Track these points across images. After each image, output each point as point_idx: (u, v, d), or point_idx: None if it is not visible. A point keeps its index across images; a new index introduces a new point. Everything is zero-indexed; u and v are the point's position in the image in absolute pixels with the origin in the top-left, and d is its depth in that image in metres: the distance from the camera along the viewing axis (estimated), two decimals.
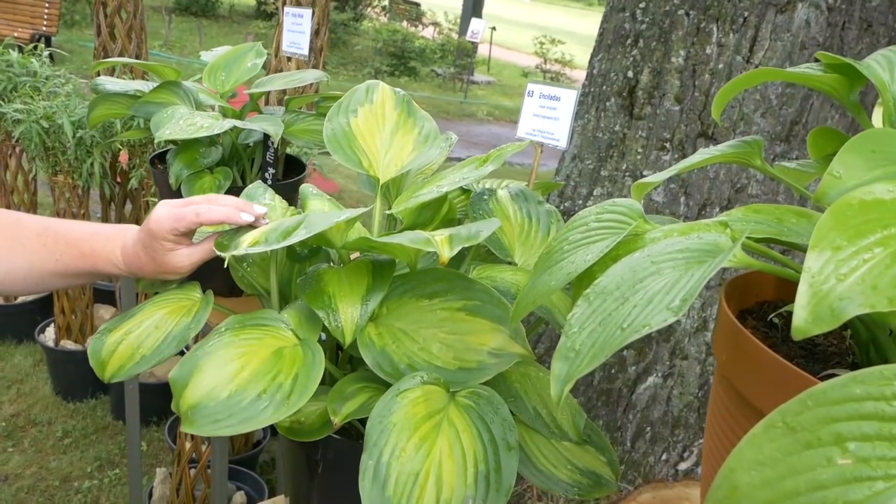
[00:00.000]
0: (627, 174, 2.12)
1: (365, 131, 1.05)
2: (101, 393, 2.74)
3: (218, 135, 1.16)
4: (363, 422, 0.80)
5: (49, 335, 2.74)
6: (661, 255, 0.54)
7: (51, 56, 2.79)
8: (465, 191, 1.06)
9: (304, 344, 0.78)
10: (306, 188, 1.01)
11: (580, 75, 11.69)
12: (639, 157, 2.11)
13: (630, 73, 2.11)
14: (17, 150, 2.87)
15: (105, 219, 2.84)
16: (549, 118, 1.01)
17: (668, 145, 2.08)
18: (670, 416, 2.12)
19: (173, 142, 1.21)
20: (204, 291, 0.92)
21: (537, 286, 0.65)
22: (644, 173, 2.10)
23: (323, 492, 0.94)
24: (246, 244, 0.81)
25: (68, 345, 2.69)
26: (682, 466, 2.13)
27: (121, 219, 2.83)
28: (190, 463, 2.02)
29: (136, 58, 2.81)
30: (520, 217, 1.01)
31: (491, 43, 12.07)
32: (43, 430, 2.55)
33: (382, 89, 1.10)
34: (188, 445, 1.99)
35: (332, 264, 0.93)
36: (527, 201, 1.03)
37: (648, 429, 2.13)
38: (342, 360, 0.98)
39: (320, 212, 0.97)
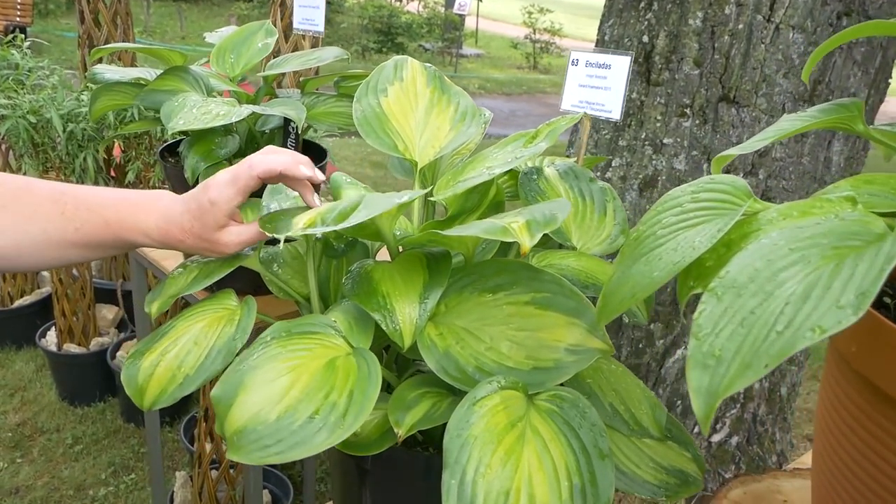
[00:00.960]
0: (647, 143, 2.05)
1: (397, 112, 0.97)
2: (110, 396, 2.67)
3: (233, 122, 1.07)
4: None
5: (51, 339, 2.66)
6: (798, 240, 0.47)
7: (29, 47, 2.67)
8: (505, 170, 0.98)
9: (358, 354, 0.71)
10: (339, 177, 0.93)
11: (570, 44, 11.54)
12: (658, 124, 2.03)
13: (645, 38, 2.03)
14: (4, 147, 2.77)
15: None
16: (598, 88, 0.93)
17: (688, 111, 2.00)
18: None
19: (184, 132, 1.12)
20: (221, 289, 0.84)
21: (633, 277, 0.58)
22: (664, 141, 2.03)
23: (374, 501, 0.88)
24: (301, 225, 0.73)
25: (72, 348, 2.61)
26: (715, 438, 2.08)
27: None
28: (210, 464, 1.95)
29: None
30: (572, 196, 0.93)
31: (478, 15, 11.90)
32: (52, 438, 2.47)
33: (412, 65, 1.02)
34: (209, 447, 1.92)
35: (373, 259, 0.85)
36: (577, 179, 0.95)
37: (679, 402, 2.07)
38: (387, 360, 0.91)
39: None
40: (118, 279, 2.80)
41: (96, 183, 2.49)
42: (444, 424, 0.74)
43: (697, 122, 2.00)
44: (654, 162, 2.05)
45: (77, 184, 0.80)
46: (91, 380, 2.62)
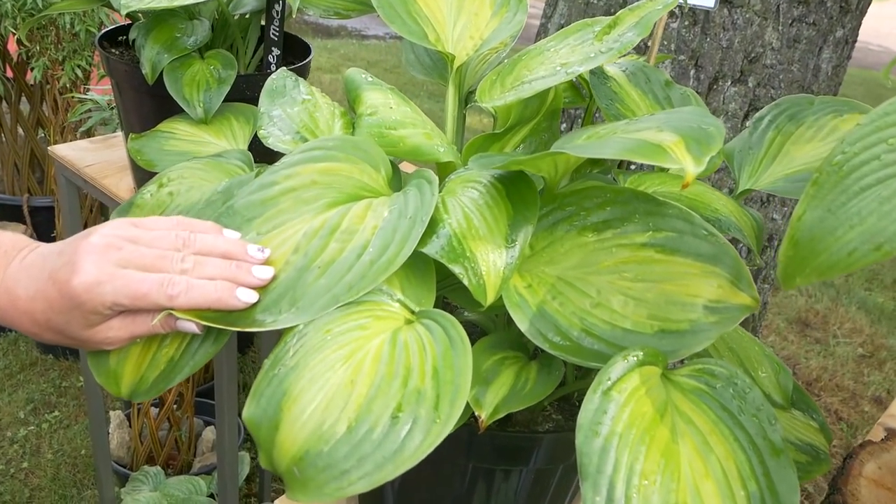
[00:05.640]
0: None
1: None
2: None
3: (198, 4, 0.84)
4: None
5: None
6: None
7: None
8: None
9: (425, 317, 0.52)
10: (356, 75, 0.72)
11: None
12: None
13: None
14: None
15: None
16: None
17: (676, 11, 1.83)
18: None
19: (129, 15, 0.88)
20: None
21: (863, 220, 0.42)
22: (648, 45, 1.85)
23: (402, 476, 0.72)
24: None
25: None
26: None
27: (17, 118, 2.39)
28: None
29: None
30: (647, 103, 0.76)
31: None
32: None
33: None
34: None
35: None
36: (649, 82, 0.78)
37: None
38: None
39: (384, 107, 0.70)
40: (23, 193, 2.48)
41: None
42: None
43: (686, 23, 1.84)
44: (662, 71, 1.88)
45: None
46: None
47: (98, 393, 1.59)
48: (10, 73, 2.29)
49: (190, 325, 0.52)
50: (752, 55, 1.85)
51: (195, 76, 0.78)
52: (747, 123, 0.82)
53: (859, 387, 2.75)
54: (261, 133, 0.65)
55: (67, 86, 2.07)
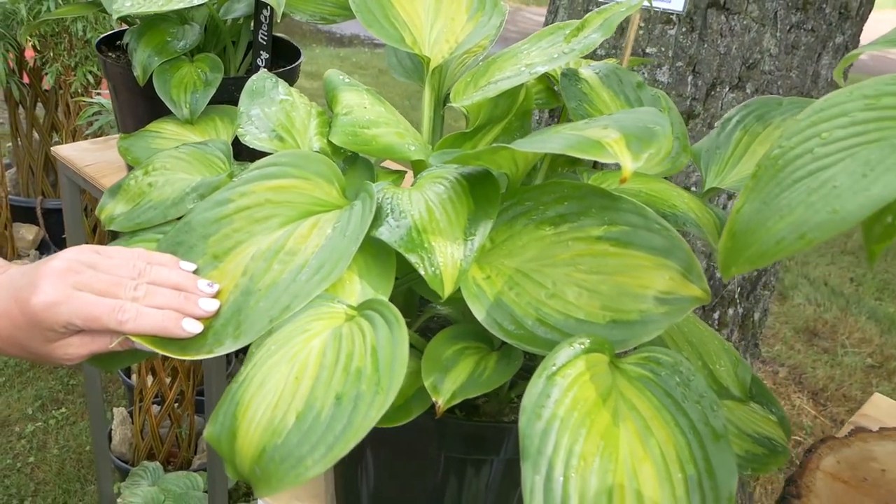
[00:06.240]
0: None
1: None
2: None
3: (189, 9, 0.86)
4: None
5: None
6: None
7: None
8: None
9: (365, 307, 0.55)
10: (334, 75, 0.74)
11: None
12: (641, 31, 1.87)
13: None
14: None
15: (13, 123, 2.45)
16: None
17: (674, 17, 1.84)
18: None
19: (126, 20, 0.91)
20: None
21: (792, 211, 0.43)
22: (647, 51, 1.87)
23: (376, 469, 0.74)
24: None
25: None
26: None
27: (33, 123, 2.45)
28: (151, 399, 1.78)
29: None
30: (618, 104, 0.77)
31: None
32: None
33: None
34: (150, 381, 1.75)
35: (390, 182, 0.68)
36: (622, 83, 0.79)
37: None
38: None
39: (359, 107, 0.72)
40: (37, 196, 2.53)
41: (8, 88, 2.19)
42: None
43: (684, 29, 1.85)
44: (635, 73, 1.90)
45: None
46: None
47: (98, 390, 1.63)
48: (26, 79, 2.35)
49: (147, 346, 0.56)
50: (750, 61, 1.86)
51: (183, 78, 0.81)
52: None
53: (867, 397, 2.73)
54: (238, 131, 0.68)
55: (79, 90, 2.12)
